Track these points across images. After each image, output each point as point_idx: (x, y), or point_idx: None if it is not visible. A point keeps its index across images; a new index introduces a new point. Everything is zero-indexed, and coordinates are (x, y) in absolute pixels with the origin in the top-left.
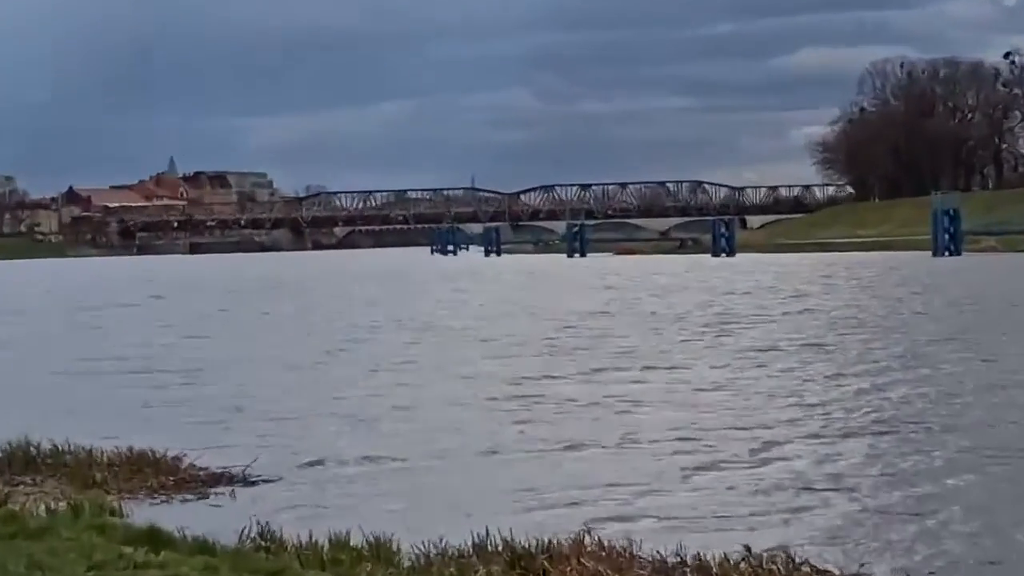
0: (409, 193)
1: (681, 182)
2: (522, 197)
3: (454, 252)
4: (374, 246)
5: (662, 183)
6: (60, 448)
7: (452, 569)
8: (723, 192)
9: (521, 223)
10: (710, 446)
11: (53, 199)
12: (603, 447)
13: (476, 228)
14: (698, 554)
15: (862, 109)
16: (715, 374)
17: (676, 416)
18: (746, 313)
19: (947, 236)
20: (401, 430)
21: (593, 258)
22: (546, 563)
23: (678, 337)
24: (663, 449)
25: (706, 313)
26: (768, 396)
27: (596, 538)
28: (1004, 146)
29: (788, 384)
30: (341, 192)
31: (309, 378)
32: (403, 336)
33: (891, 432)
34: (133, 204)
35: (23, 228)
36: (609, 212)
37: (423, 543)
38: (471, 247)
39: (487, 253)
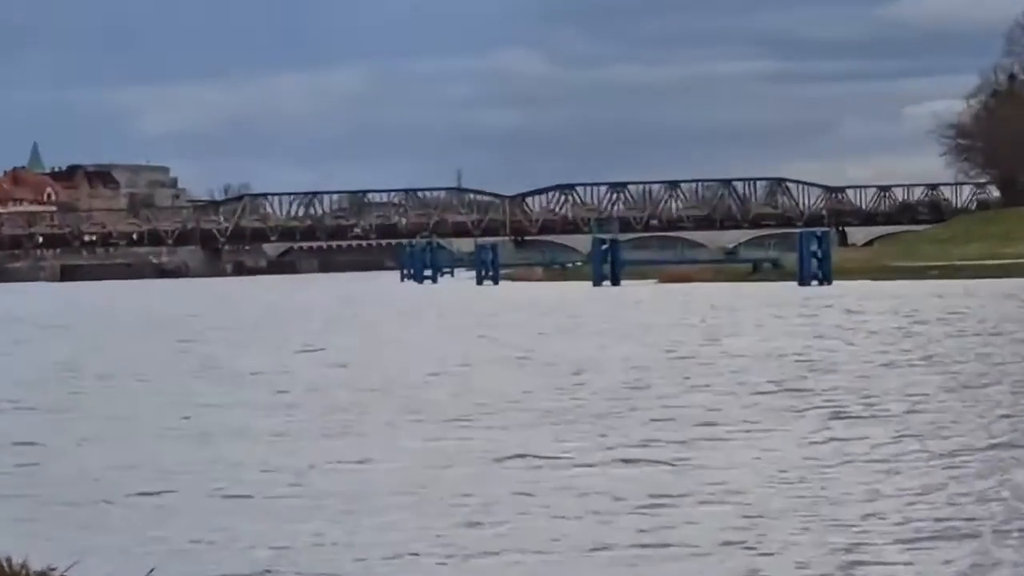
0: (370, 196)
1: (755, 180)
2: (529, 202)
3: (433, 278)
4: (321, 270)
5: (727, 181)
6: None
7: None
8: (815, 194)
9: (528, 238)
10: (767, 554)
11: None
12: (618, 557)
13: (465, 245)
14: None
15: (1011, 77)
16: (781, 451)
17: (722, 511)
18: (837, 365)
19: None
20: (332, 530)
21: (630, 287)
22: None
23: (737, 401)
24: (701, 558)
25: (780, 364)
26: (852, 483)
27: None
28: None
29: (881, 465)
30: (273, 194)
31: (210, 453)
32: (340, 396)
33: (1019, 532)
34: None
35: None
36: (653, 222)
37: None
38: (457, 271)
39: (480, 279)
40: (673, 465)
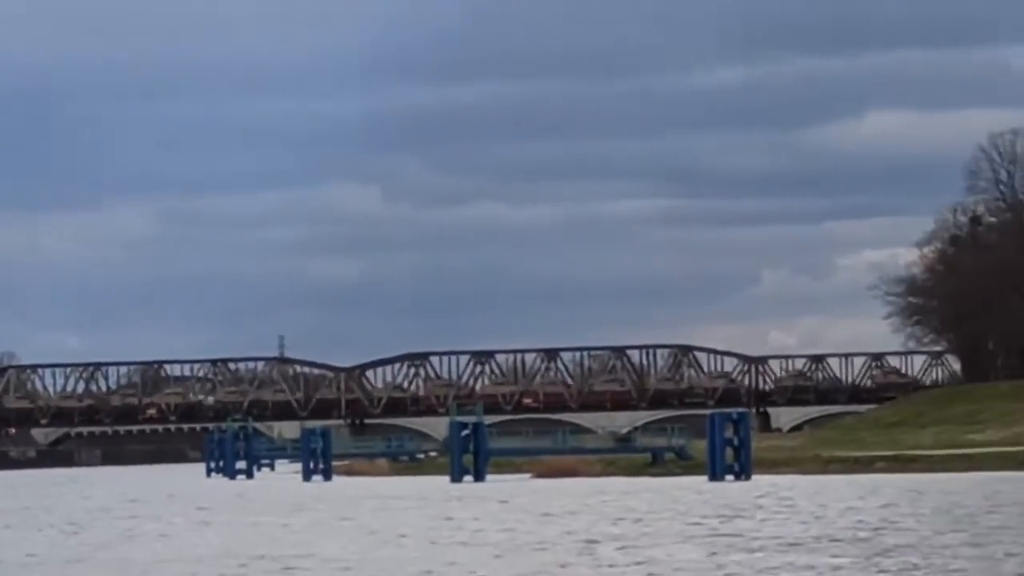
0: (166, 368)
1: (655, 348)
2: (370, 375)
3: (248, 472)
4: (105, 461)
5: (620, 349)
6: None
7: None
8: (729, 365)
9: (369, 421)
10: None
11: None
12: None
13: (289, 430)
14: None
15: (974, 219)
16: None
17: None
18: None
19: None
20: None
21: (497, 483)
22: None
23: None
24: None
25: None
26: None
27: None
28: None
29: None
30: (44, 365)
31: None
32: None
33: None
34: None
35: None
36: (526, 402)
37: None
38: (279, 463)
39: (308, 475)
40: None
